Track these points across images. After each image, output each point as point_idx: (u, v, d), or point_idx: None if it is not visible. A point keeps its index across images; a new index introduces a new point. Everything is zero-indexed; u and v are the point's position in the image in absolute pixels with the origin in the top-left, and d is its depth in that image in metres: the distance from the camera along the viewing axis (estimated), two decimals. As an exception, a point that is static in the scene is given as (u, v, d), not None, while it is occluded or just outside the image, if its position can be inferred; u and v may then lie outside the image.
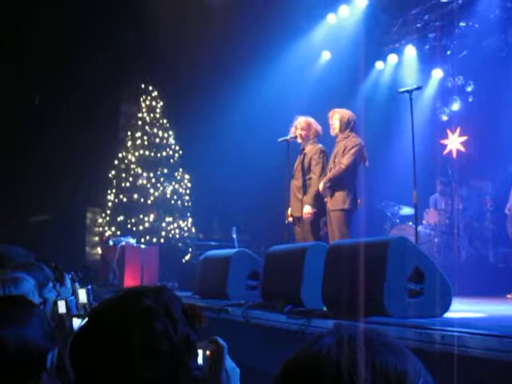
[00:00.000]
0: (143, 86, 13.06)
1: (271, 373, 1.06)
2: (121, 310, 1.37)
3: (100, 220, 12.76)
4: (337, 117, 7.04)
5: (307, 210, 6.99)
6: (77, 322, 2.86)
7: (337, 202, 6.80)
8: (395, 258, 4.33)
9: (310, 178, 7.16)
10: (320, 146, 7.25)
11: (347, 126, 6.98)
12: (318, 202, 7.03)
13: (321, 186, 6.88)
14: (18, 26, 11.96)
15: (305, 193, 7.18)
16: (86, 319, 1.42)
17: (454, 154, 11.83)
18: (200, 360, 1.54)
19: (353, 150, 6.85)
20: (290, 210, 7.34)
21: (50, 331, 1.95)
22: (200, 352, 1.53)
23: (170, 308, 1.41)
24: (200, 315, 1.48)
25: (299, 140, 7.31)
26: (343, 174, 6.81)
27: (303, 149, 7.35)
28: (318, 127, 7.31)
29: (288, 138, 7.33)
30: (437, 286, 4.39)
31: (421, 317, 4.18)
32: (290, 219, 7.33)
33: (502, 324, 4.00)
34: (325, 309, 4.91)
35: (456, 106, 11.78)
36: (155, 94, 13.12)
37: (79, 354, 1.36)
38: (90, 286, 3.60)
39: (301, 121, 7.32)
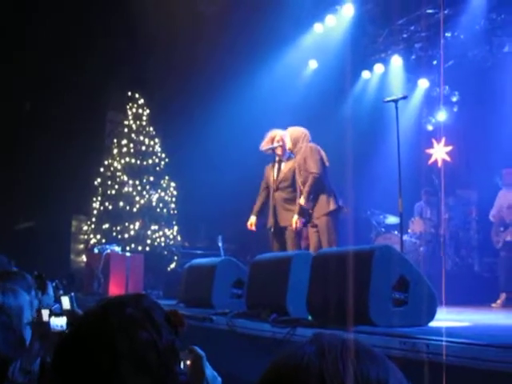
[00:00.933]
0: (130, 93, 13.01)
1: (255, 382, 1.04)
2: (104, 320, 1.35)
3: (85, 228, 12.68)
4: (287, 134, 7.22)
5: (296, 218, 7.02)
6: (54, 321, 2.84)
7: (321, 208, 6.85)
8: (380, 266, 4.32)
9: (295, 190, 7.21)
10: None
11: (297, 142, 7.11)
12: (305, 211, 7.08)
13: (303, 202, 6.92)
14: (7, 34, 11.90)
15: (289, 203, 7.22)
16: (69, 330, 1.40)
17: (440, 164, 11.89)
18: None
19: (315, 156, 6.94)
20: (252, 219, 7.51)
21: (17, 341, 1.91)
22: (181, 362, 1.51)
23: (152, 315, 1.39)
24: (181, 320, 1.47)
25: (278, 153, 7.34)
26: (317, 181, 6.85)
27: (280, 161, 7.39)
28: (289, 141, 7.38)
29: (274, 146, 7.33)
30: (422, 294, 4.39)
31: (406, 326, 4.18)
32: (251, 227, 7.45)
33: (486, 333, 4.01)
34: (310, 318, 4.89)
35: (441, 116, 11.87)
36: (142, 101, 13.08)
37: (63, 363, 1.33)
38: (73, 294, 3.56)
39: (277, 135, 7.37)
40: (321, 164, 6.94)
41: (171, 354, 1.38)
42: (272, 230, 7.30)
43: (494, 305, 8.24)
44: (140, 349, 1.32)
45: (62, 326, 2.82)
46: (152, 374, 1.32)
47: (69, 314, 2.90)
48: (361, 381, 0.93)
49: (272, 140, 7.34)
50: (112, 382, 1.28)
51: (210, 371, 1.59)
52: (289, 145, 7.17)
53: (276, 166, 7.43)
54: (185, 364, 1.57)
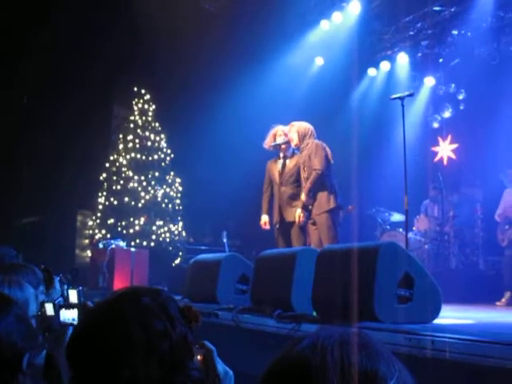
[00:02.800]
0: (136, 89, 13.03)
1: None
2: (119, 309, 1.37)
3: (90, 223, 12.71)
4: (294, 130, 7.16)
5: (299, 212, 7.02)
6: (65, 314, 2.84)
7: (321, 205, 6.86)
8: (385, 263, 4.33)
9: (300, 185, 7.21)
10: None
11: (304, 137, 7.08)
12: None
13: (303, 198, 6.93)
14: (13, 27, 11.91)
15: (294, 198, 7.22)
16: (83, 318, 1.41)
17: (445, 161, 11.89)
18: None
19: (319, 153, 6.93)
20: (265, 217, 7.44)
21: (30, 332, 1.92)
22: None
23: (167, 308, 1.41)
24: (196, 315, 1.48)
25: (283, 148, 7.35)
26: (320, 178, 6.86)
27: (285, 157, 7.39)
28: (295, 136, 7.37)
29: (280, 142, 7.34)
30: (426, 292, 4.40)
31: (410, 322, 4.18)
32: (265, 226, 7.39)
33: (491, 331, 4.01)
34: (315, 314, 4.90)
35: (447, 114, 11.84)
36: (148, 97, 13.10)
37: (78, 352, 1.35)
38: (80, 287, 3.57)
39: (283, 130, 7.38)
40: (325, 161, 6.94)
41: (184, 347, 1.40)
42: (277, 226, 7.31)
43: (498, 303, 8.23)
44: (154, 338, 1.33)
45: (73, 319, 2.82)
46: (163, 364, 1.33)
47: (80, 306, 2.90)
48: (347, 373, 0.95)
49: (274, 136, 7.34)
50: (123, 368, 1.29)
51: (221, 366, 1.60)
52: (295, 140, 7.15)
53: (281, 161, 7.42)
54: (195, 359, 1.58)
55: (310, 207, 6.99)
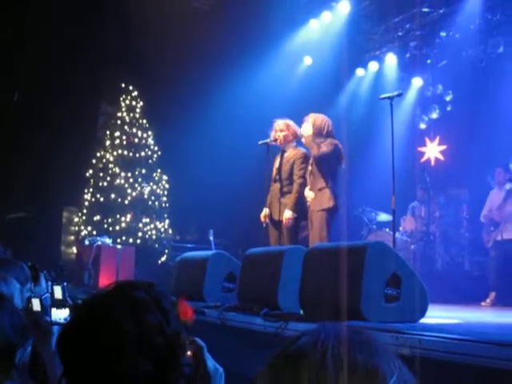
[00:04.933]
0: (123, 85, 12.97)
1: (247, 375, 1.06)
2: (113, 302, 1.35)
3: (76, 219, 12.65)
4: (310, 120, 6.94)
5: (288, 214, 6.96)
6: (56, 313, 2.81)
7: (321, 201, 6.80)
8: (373, 262, 4.34)
9: (292, 183, 7.14)
10: (303, 150, 7.22)
11: (320, 131, 6.87)
12: (299, 206, 7.02)
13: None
14: (4, 25, 11.82)
15: (283, 196, 7.17)
16: (76, 311, 1.40)
17: (432, 162, 11.95)
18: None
19: (330, 147, 6.82)
20: (265, 211, 7.28)
21: (23, 328, 1.91)
22: None
23: (161, 302, 1.39)
24: (190, 311, 1.47)
25: (279, 142, 7.29)
26: (324, 157, 6.76)
27: (283, 151, 7.34)
28: (297, 129, 7.26)
29: (268, 140, 7.31)
30: (414, 291, 4.41)
31: (397, 321, 4.20)
32: (265, 220, 7.31)
33: (477, 330, 4.04)
34: (302, 312, 4.90)
35: (435, 115, 11.91)
36: (135, 93, 13.05)
37: (69, 347, 1.33)
38: (65, 283, 3.55)
39: (279, 123, 7.31)
40: (332, 150, 6.81)
41: (177, 342, 1.39)
42: (268, 221, 7.27)
43: (483, 303, 8.28)
44: (147, 332, 1.32)
45: (64, 319, 2.80)
46: (157, 358, 1.32)
47: (71, 306, 2.88)
48: (347, 369, 0.95)
49: (275, 131, 7.30)
50: (116, 363, 1.28)
51: (211, 362, 1.59)
52: (309, 131, 6.86)
53: (280, 155, 7.37)
54: (187, 355, 1.58)
55: (308, 201, 6.94)
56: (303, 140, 7.00)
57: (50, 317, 2.80)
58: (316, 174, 6.90)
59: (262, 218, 7.29)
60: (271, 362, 1.02)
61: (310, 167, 6.98)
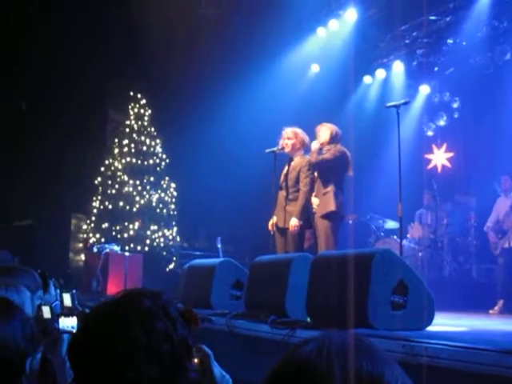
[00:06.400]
0: (132, 93, 13.04)
1: (254, 383, 1.08)
2: (122, 310, 1.38)
3: (85, 226, 12.70)
4: (325, 129, 7.12)
5: (294, 222, 6.97)
6: (64, 322, 2.83)
7: (324, 205, 6.82)
8: (380, 270, 4.34)
9: (298, 190, 7.15)
10: (309, 157, 7.26)
11: (335, 138, 7.08)
12: (305, 214, 7.03)
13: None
14: (7, 31, 11.91)
15: (288, 203, 7.19)
16: (86, 319, 1.42)
17: (439, 169, 11.94)
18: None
19: (335, 153, 6.94)
20: (274, 219, 7.31)
21: (33, 336, 1.93)
22: None
23: (168, 310, 1.42)
24: (196, 318, 1.49)
25: (287, 150, 7.31)
26: (325, 163, 6.88)
27: (291, 159, 7.36)
28: (306, 137, 7.31)
29: (275, 149, 7.32)
30: (421, 299, 4.41)
31: (404, 329, 4.20)
32: (272, 228, 7.32)
33: (484, 338, 4.03)
34: (309, 320, 4.91)
35: (442, 122, 11.90)
36: (144, 101, 13.11)
37: (80, 354, 1.36)
38: (74, 291, 3.58)
39: (288, 131, 7.34)
40: (338, 157, 6.92)
41: (184, 349, 1.41)
42: (275, 229, 7.29)
43: (491, 311, 8.26)
44: (155, 339, 1.35)
45: (72, 327, 2.81)
46: (164, 365, 1.34)
47: (79, 314, 2.90)
48: (353, 377, 0.97)
49: (283, 138, 7.33)
50: (126, 370, 1.30)
51: (217, 370, 1.61)
52: (326, 137, 7.08)
53: (288, 163, 7.40)
54: (193, 361, 1.60)
55: (314, 208, 6.97)
56: (316, 145, 7.12)
57: (58, 325, 2.82)
58: (320, 181, 6.98)
59: (270, 227, 7.32)
60: (275, 369, 1.03)
61: (316, 174, 7.04)
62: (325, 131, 7.12)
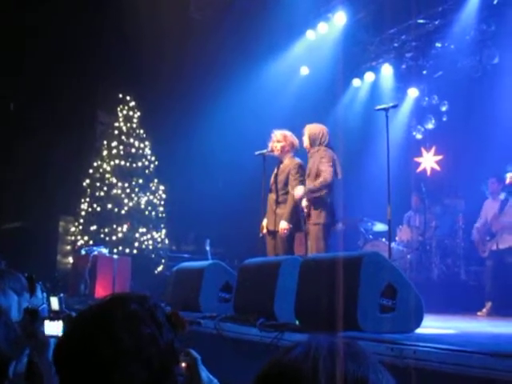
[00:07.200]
0: (121, 95, 13.01)
1: None
2: (108, 314, 1.36)
3: (73, 229, 12.64)
4: (304, 133, 7.11)
5: (283, 225, 6.95)
6: (49, 325, 2.80)
7: (314, 217, 6.80)
8: (368, 273, 4.35)
9: (287, 193, 7.13)
10: (298, 160, 7.24)
11: (315, 140, 6.99)
12: (295, 217, 7.02)
13: (300, 191, 6.83)
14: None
15: (277, 206, 7.17)
16: (72, 323, 1.41)
17: (428, 172, 11.98)
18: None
19: (328, 168, 6.82)
20: (264, 221, 7.31)
21: (17, 340, 1.91)
22: None
23: (154, 314, 1.41)
24: (183, 322, 1.48)
25: (276, 153, 7.30)
26: (323, 187, 6.79)
27: (280, 162, 7.35)
28: (295, 140, 7.30)
29: (265, 151, 7.32)
30: (409, 302, 4.42)
31: (393, 332, 4.20)
32: (264, 231, 7.30)
33: (473, 340, 4.04)
34: (297, 323, 4.91)
35: (430, 125, 11.94)
36: (133, 104, 13.09)
37: (66, 358, 1.34)
38: (62, 295, 3.55)
39: (277, 134, 7.33)
40: (333, 174, 6.87)
41: (171, 353, 1.40)
42: (265, 231, 7.27)
43: (479, 313, 8.28)
44: (141, 343, 1.33)
45: (57, 331, 2.78)
46: (151, 369, 1.33)
47: (65, 317, 2.87)
48: (338, 381, 0.97)
49: (272, 141, 7.31)
50: (111, 374, 1.29)
51: (205, 374, 1.60)
52: (306, 143, 7.05)
53: (277, 166, 7.38)
54: (180, 365, 1.59)
55: (306, 210, 6.93)
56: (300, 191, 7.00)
57: (43, 329, 2.79)
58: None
59: (261, 229, 7.31)
60: (261, 372, 1.03)
61: (307, 179, 6.98)
62: (304, 136, 7.11)
